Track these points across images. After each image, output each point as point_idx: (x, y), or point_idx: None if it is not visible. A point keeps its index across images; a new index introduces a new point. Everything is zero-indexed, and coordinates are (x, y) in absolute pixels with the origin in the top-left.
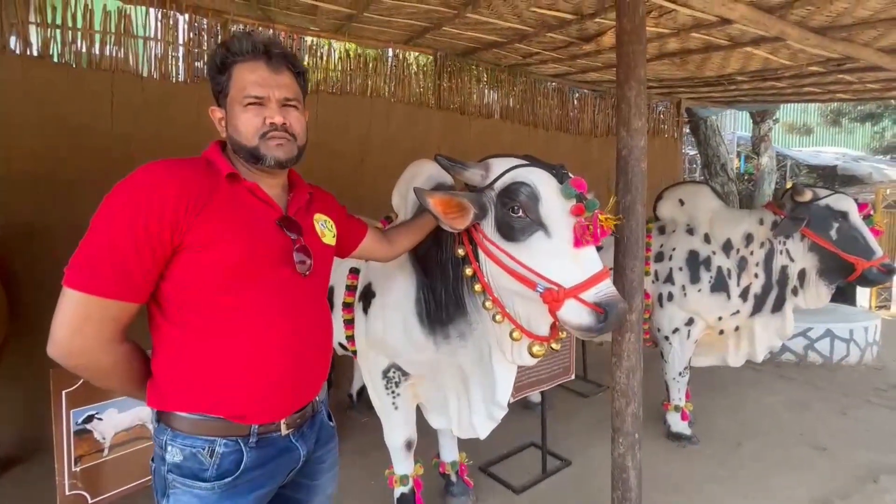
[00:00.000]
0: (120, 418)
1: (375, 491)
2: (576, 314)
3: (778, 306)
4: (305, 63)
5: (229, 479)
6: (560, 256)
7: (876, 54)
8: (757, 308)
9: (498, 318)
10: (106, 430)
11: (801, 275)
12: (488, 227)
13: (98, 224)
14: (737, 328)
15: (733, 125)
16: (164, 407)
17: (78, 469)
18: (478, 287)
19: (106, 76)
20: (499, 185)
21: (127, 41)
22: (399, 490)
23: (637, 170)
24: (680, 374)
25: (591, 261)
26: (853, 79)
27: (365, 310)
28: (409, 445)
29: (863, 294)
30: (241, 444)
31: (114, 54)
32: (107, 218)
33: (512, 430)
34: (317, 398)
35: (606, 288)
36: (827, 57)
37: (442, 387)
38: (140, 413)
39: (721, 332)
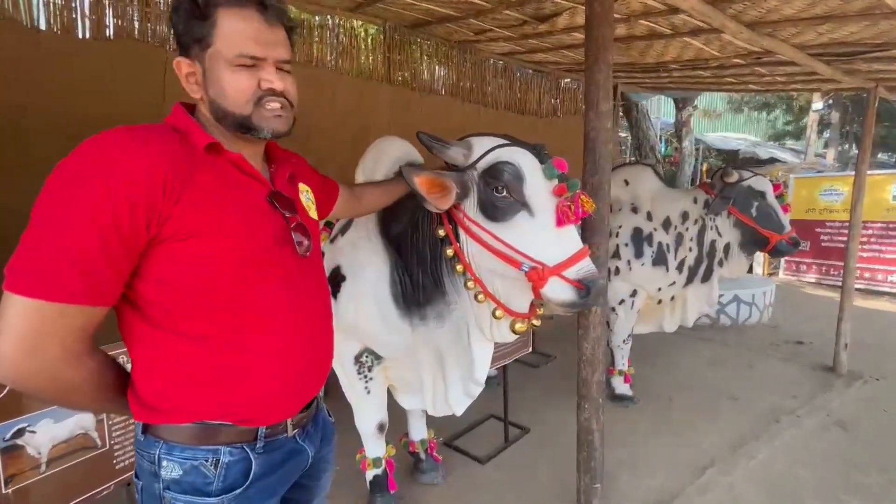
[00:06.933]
0: (57, 429)
1: (341, 475)
2: (560, 291)
3: (707, 276)
4: None
5: (239, 490)
6: (543, 236)
7: (792, 49)
8: (690, 279)
9: (480, 297)
10: (41, 443)
11: (727, 248)
12: (470, 207)
13: (47, 211)
14: (672, 297)
15: (657, 111)
16: (155, 419)
17: (10, 491)
18: (459, 267)
19: None
20: (482, 164)
21: None
22: (372, 472)
23: (604, 151)
24: (624, 341)
25: (572, 240)
26: (766, 71)
27: (334, 295)
28: (381, 428)
29: (757, 263)
30: (248, 451)
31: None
32: (59, 203)
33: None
34: (319, 394)
35: (587, 265)
36: (749, 50)
37: (416, 368)
38: (81, 421)
39: (659, 301)
